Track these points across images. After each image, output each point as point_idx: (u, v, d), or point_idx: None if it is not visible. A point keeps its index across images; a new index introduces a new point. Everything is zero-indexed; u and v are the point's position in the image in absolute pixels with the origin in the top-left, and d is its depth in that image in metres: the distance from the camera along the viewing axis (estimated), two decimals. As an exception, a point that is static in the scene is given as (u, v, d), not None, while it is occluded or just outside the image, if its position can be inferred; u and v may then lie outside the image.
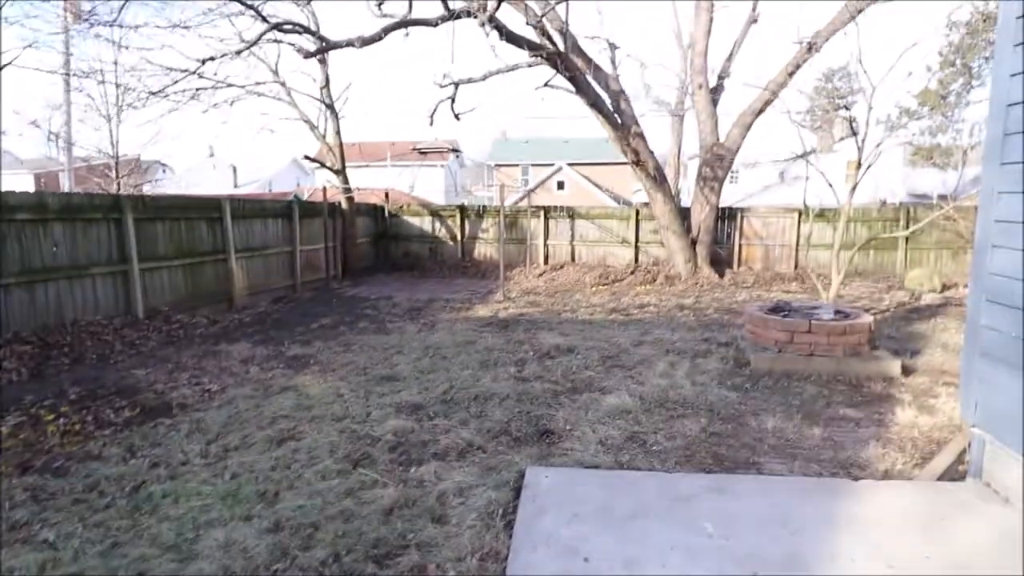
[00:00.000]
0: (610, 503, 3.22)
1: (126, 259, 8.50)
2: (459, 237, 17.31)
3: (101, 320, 7.93)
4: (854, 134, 8.94)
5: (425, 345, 7.37)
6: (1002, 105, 3.12)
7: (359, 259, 16.01)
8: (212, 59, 9.14)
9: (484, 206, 17.48)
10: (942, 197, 29.62)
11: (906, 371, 6.17)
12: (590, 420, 4.71)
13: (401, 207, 17.64)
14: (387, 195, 17.23)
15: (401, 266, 17.03)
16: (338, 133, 14.71)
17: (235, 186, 41.03)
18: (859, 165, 9.28)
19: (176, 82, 9.70)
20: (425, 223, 17.54)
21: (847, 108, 39.42)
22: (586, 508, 3.17)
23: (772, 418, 4.89)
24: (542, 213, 16.83)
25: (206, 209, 10.41)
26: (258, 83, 13.28)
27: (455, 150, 14.69)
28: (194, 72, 9.53)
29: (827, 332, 6.16)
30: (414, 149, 14.15)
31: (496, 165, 44.29)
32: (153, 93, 9.80)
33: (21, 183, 32.01)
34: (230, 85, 12.43)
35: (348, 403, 5.12)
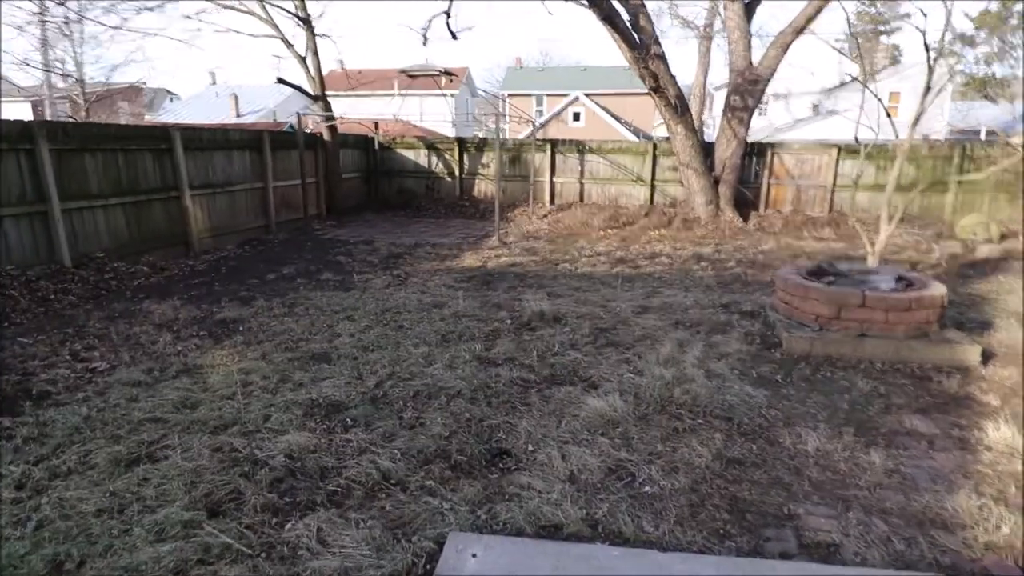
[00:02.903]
0: (561, 624, 1.99)
1: (44, 197, 7.22)
2: (457, 173, 15.76)
3: (11, 270, 6.74)
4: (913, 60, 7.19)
5: (384, 308, 6.10)
6: None
7: (346, 196, 14.60)
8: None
9: (485, 139, 15.81)
10: (991, 132, 26.95)
11: (984, 357, 4.80)
12: (562, 435, 3.45)
13: (394, 139, 16.01)
14: (376, 125, 15.60)
15: (394, 204, 15.60)
16: (315, 52, 12.96)
17: (237, 115, 39.17)
18: (927, 91, 7.58)
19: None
20: (420, 157, 15.96)
21: (904, 26, 36.11)
22: (520, 637, 1.95)
23: (813, 432, 3.60)
24: (548, 147, 15.15)
25: (151, 139, 9.01)
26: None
27: (448, 73, 12.91)
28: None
29: (886, 307, 4.76)
30: (401, 72, 12.43)
31: (509, 95, 41.68)
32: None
33: (18, 112, 30.52)
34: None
35: (250, 398, 3.91)
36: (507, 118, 32.64)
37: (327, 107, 13.37)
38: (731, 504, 2.89)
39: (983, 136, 25.96)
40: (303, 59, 13.14)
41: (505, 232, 12.07)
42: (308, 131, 13.89)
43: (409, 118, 33.85)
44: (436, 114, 34.49)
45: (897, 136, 7.55)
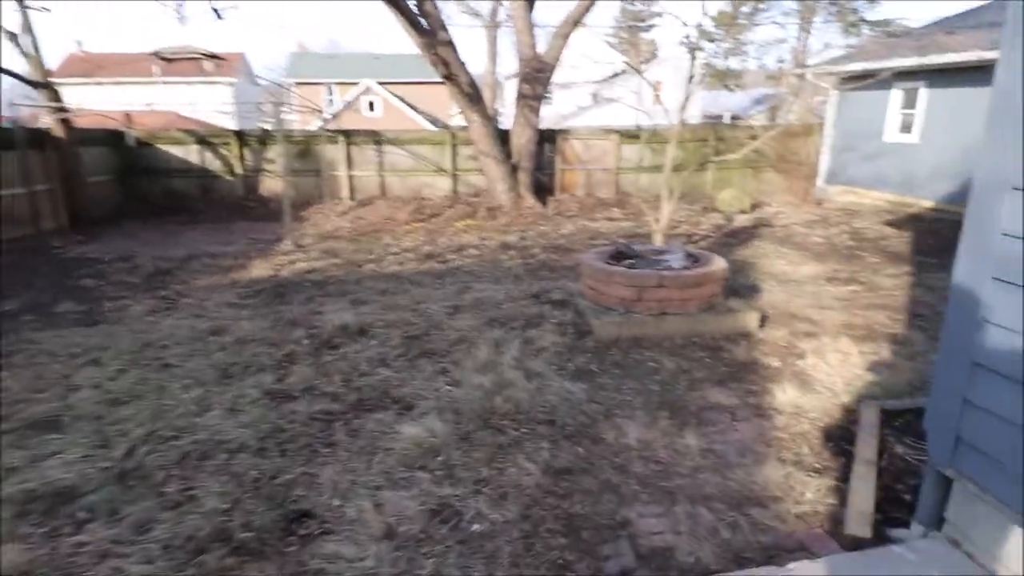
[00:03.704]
0: None
1: None
2: (239, 170, 14.02)
3: None
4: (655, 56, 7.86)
5: (145, 342, 4.96)
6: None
7: (97, 204, 12.15)
8: None
9: (267, 131, 14.26)
10: (734, 117, 31.64)
11: (761, 321, 5.30)
12: (375, 479, 2.95)
13: (154, 133, 13.71)
14: (129, 117, 13.21)
15: (162, 209, 13.37)
16: (30, 29, 10.45)
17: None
18: (690, 80, 8.32)
19: None
20: (191, 153, 13.89)
21: (658, 24, 40.40)
22: None
23: (632, 422, 3.57)
24: (342, 138, 14.16)
25: None
26: None
27: (213, 56, 11.07)
28: None
29: (680, 285, 5.01)
30: (153, 54, 10.32)
31: (295, 83, 38.76)
32: None
33: None
34: None
35: (-76, 505, 2.78)
36: (295, 108, 30.24)
37: (56, 96, 10.91)
38: (566, 524, 2.67)
39: (728, 120, 30.33)
40: (14, 37, 10.52)
41: (300, 234, 10.99)
42: (34, 127, 11.24)
43: (179, 109, 29.77)
44: (212, 105, 30.69)
45: (668, 121, 8.19)
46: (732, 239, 10.41)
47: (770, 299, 6.31)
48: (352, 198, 14.29)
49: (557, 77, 15.35)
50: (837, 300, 6.35)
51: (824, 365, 4.41)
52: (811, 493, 2.89)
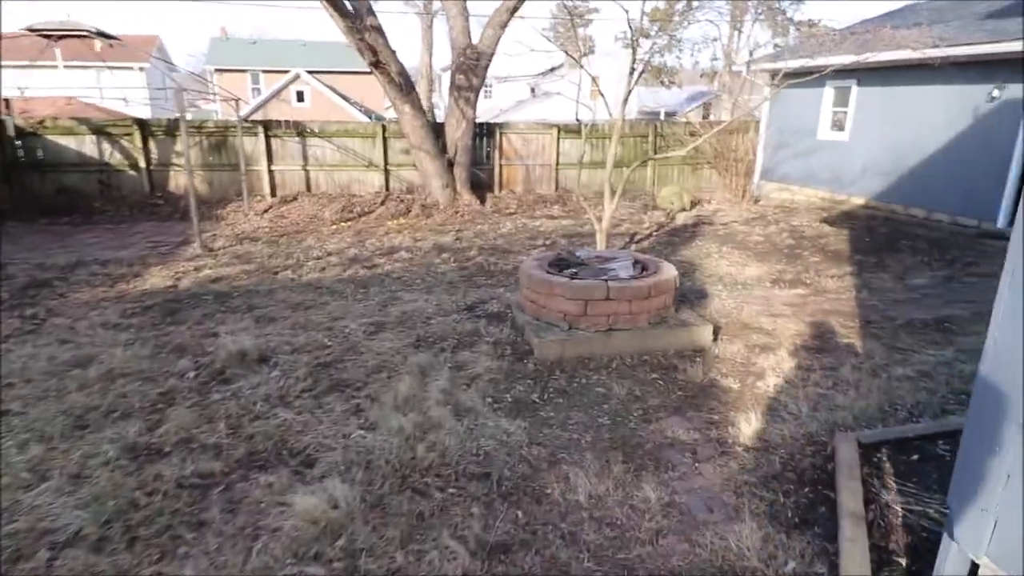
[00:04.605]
0: None
1: None
2: (143, 164, 12.66)
3: None
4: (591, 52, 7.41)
5: (-14, 380, 4.02)
6: None
7: (-28, 202, 10.63)
8: None
9: (175, 119, 12.93)
10: (669, 114, 31.95)
11: (714, 334, 4.87)
12: (253, 576, 2.26)
13: (41, 122, 12.14)
14: (7, 103, 11.63)
15: (53, 209, 11.86)
16: None
17: None
18: (631, 74, 7.89)
19: None
20: (87, 145, 12.41)
21: (594, 19, 40.37)
22: None
23: (581, 471, 3.01)
24: (260, 130, 13.03)
25: None
26: None
27: (105, 35, 9.81)
28: None
29: (629, 297, 4.49)
30: (30, 31, 8.95)
31: (216, 70, 36.49)
32: None
33: None
34: None
35: None
36: (216, 97, 28.27)
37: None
38: (501, 632, 2.07)
39: (663, 116, 30.63)
40: None
41: (212, 236, 9.93)
42: None
43: (82, 95, 27.23)
44: (117, 92, 28.21)
45: (611, 115, 7.74)
46: (675, 238, 10.11)
47: (720, 306, 5.94)
48: (274, 194, 13.21)
49: (495, 70, 14.73)
50: (787, 305, 6.04)
51: (786, 385, 4.00)
52: (795, 561, 2.41)
